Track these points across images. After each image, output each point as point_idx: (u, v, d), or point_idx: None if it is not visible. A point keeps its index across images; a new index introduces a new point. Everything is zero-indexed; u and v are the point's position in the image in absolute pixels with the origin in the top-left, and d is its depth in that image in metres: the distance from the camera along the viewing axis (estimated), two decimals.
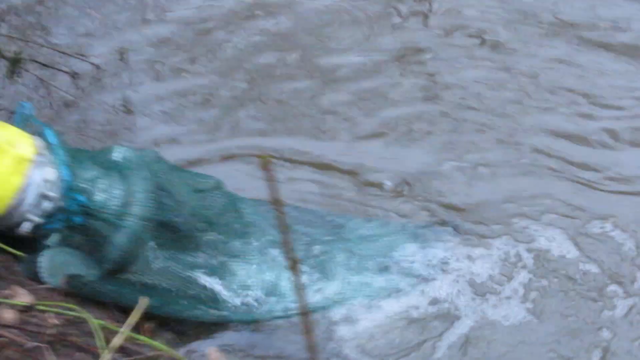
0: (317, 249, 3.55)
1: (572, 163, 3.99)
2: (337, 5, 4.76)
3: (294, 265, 1.62)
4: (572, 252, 3.61)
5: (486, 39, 4.61)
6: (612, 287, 3.51)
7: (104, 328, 2.86)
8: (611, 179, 3.93)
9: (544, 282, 3.51)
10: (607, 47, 4.56)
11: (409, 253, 3.58)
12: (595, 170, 3.96)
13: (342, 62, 4.47)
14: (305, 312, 1.70)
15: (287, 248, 1.59)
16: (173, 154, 3.82)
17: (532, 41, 4.59)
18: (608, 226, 3.71)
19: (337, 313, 3.40)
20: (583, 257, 3.59)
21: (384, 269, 3.54)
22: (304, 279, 3.47)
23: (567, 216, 3.76)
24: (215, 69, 4.41)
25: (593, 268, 3.56)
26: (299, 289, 1.63)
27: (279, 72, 4.40)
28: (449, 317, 3.41)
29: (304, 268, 3.51)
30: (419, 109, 4.22)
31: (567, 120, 4.19)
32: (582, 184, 3.90)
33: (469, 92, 4.31)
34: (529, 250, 3.62)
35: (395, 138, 4.10)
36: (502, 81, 4.37)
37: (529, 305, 3.45)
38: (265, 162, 1.52)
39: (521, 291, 3.49)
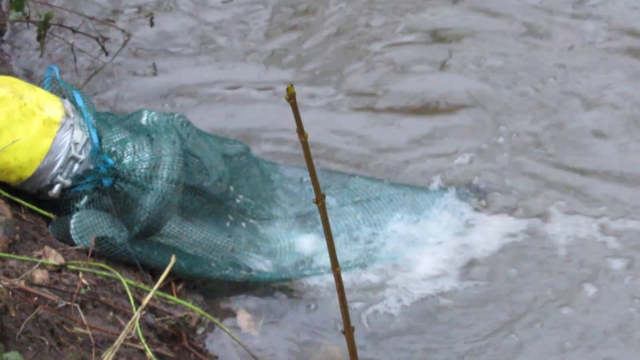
0: (348, 207, 3.57)
1: None
2: None
3: (320, 201, 1.61)
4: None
5: None
6: None
7: (134, 288, 2.89)
8: None
9: None
10: None
11: (434, 214, 3.58)
12: None
13: None
14: (336, 266, 1.70)
15: (313, 181, 1.59)
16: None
17: None
18: None
19: (369, 270, 3.41)
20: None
21: (413, 228, 3.55)
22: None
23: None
24: None
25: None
26: (328, 233, 1.62)
27: None
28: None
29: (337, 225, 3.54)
30: None
31: None
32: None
33: None
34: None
35: None
36: None
37: None
38: (290, 92, 1.52)
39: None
